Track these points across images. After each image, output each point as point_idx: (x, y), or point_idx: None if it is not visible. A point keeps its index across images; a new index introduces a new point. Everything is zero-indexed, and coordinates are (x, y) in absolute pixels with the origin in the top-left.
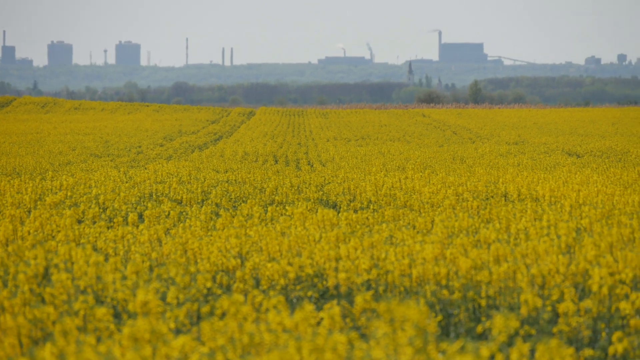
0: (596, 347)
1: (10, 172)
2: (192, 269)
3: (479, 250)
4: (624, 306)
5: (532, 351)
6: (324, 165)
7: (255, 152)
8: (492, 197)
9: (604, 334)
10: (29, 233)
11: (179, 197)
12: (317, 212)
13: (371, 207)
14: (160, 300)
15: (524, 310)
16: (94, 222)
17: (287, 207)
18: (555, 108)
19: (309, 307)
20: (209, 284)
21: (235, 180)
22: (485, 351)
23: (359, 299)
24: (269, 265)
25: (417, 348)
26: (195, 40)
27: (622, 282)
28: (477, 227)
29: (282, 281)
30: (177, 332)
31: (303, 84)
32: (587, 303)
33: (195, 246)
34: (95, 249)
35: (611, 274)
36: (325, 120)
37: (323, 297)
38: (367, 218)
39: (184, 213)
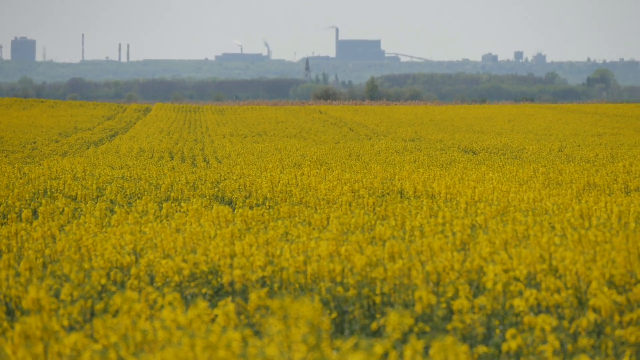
0: (490, 344)
1: None
2: (86, 265)
3: (374, 247)
4: (518, 303)
5: (427, 348)
6: (220, 162)
7: (151, 149)
8: (388, 193)
9: (497, 331)
10: None
11: (74, 194)
12: (212, 208)
13: (267, 203)
14: (54, 297)
15: (418, 307)
16: None
17: (182, 204)
18: (451, 105)
19: (203, 304)
20: (103, 281)
21: (130, 176)
22: (379, 348)
23: (253, 296)
24: (163, 262)
25: (311, 345)
26: (92, 36)
27: (517, 279)
28: (372, 224)
29: (176, 278)
30: (71, 329)
31: (200, 81)
32: (482, 300)
33: (90, 243)
34: None
35: (505, 271)
36: (221, 117)
37: (217, 294)
38: (262, 215)
39: (78, 209)
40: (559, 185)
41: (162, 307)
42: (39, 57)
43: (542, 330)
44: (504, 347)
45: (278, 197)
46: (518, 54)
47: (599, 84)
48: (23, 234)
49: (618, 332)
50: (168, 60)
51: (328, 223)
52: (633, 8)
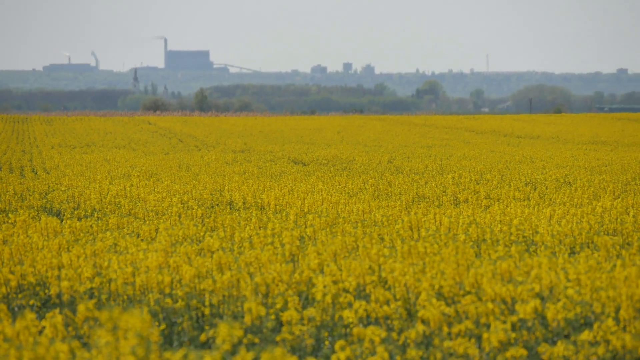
0: (319, 355)
1: None
2: None
3: (203, 258)
4: (347, 314)
5: None
6: (48, 173)
7: None
8: (217, 205)
9: (327, 343)
10: None
11: None
12: (40, 220)
13: (95, 215)
14: None
15: (247, 319)
16: None
17: (9, 215)
18: (281, 116)
19: (30, 315)
20: None
21: None
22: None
23: (81, 308)
24: None
25: (140, 357)
26: None
27: (346, 290)
28: (201, 235)
29: (3, 289)
30: None
31: (27, 91)
32: (311, 311)
33: None
34: None
35: (335, 283)
36: (50, 127)
37: (45, 306)
38: (91, 226)
39: None
40: (389, 196)
41: None
42: None
43: (371, 341)
44: (333, 358)
45: (107, 208)
46: (347, 66)
47: (428, 96)
48: None
49: (447, 344)
50: None
51: (157, 234)
52: (460, 20)
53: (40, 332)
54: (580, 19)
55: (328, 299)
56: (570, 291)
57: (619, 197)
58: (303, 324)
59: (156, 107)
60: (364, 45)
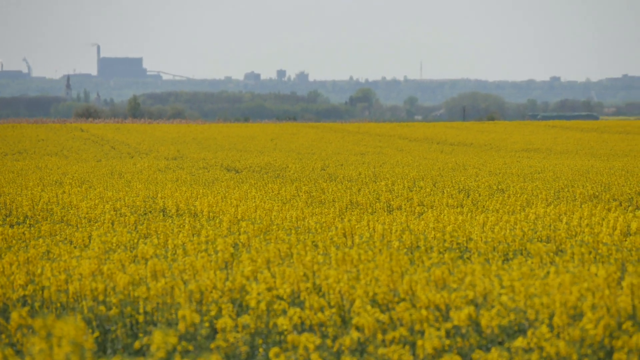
0: None
1: None
2: None
3: (136, 265)
4: (282, 322)
5: None
6: None
7: None
8: (150, 212)
9: (261, 350)
10: None
11: None
12: None
13: (27, 222)
14: None
15: (181, 326)
16: None
17: None
18: (214, 124)
19: None
20: None
21: None
22: None
23: (14, 315)
24: None
25: None
26: None
27: (280, 297)
28: (135, 242)
29: None
30: None
31: None
32: (245, 319)
33: None
34: None
35: (269, 290)
36: None
37: None
38: (23, 233)
39: None
40: (322, 203)
41: None
42: None
43: (306, 348)
44: None
45: (39, 215)
46: (281, 73)
47: (361, 103)
48: None
49: (381, 351)
50: None
51: (90, 241)
52: (395, 28)
53: None
54: (513, 26)
55: (262, 306)
56: (504, 298)
57: (551, 204)
58: (237, 331)
59: (89, 114)
60: (298, 52)
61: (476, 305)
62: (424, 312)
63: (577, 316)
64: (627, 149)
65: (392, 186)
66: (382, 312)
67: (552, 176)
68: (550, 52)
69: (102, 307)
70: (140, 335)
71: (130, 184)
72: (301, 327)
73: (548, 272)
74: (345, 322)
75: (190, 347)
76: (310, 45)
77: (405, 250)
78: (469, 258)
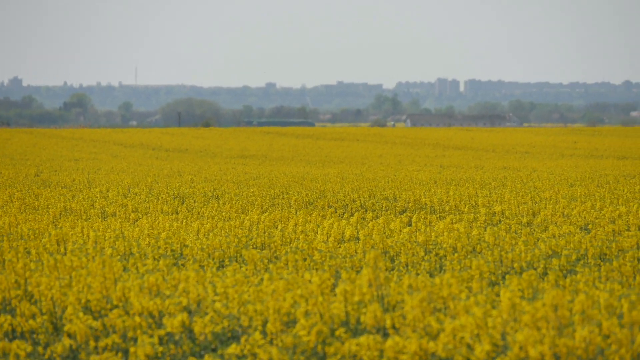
0: None
1: None
2: None
3: None
4: None
5: None
6: None
7: None
8: None
9: None
10: None
11: None
12: None
13: None
14: None
15: None
16: None
17: None
18: None
19: None
20: None
21: None
22: None
23: None
24: None
25: None
26: None
27: None
28: None
29: None
30: None
31: None
32: None
33: None
34: None
35: None
36: None
37: None
38: None
39: None
40: (36, 210)
41: None
42: None
43: (17, 355)
44: None
45: None
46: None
47: (76, 109)
48: None
49: (93, 358)
50: None
51: None
52: (108, 34)
53: None
54: (227, 33)
55: None
56: (217, 305)
57: (267, 211)
58: None
59: None
60: (11, 56)
61: (190, 312)
62: (137, 319)
63: (290, 323)
64: (342, 155)
65: (107, 192)
66: (95, 319)
67: (268, 183)
68: (264, 58)
69: None
70: None
71: None
72: (12, 335)
73: (262, 279)
74: (57, 329)
75: None
76: (23, 50)
77: (118, 257)
78: (183, 265)
